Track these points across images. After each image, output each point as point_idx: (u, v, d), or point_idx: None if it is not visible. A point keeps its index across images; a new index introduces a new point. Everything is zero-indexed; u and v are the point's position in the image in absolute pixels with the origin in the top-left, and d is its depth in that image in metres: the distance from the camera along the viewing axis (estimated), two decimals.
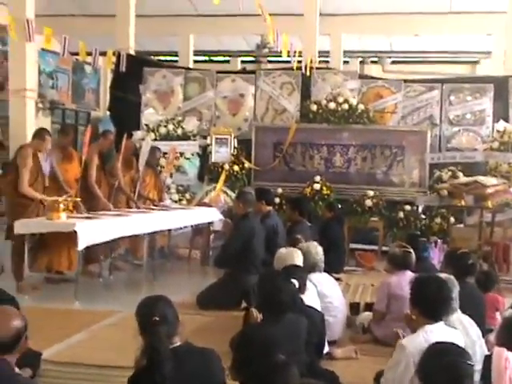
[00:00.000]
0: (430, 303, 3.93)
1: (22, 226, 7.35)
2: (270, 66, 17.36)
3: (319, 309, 5.44)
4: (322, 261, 6.06)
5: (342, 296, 6.39)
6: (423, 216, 10.81)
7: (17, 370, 4.36)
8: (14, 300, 4.50)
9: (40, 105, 16.70)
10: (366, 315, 6.36)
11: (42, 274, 8.15)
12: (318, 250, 6.01)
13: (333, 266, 8.95)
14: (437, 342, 3.26)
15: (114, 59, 11.75)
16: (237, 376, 3.82)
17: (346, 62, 17.93)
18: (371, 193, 10.77)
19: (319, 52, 13.53)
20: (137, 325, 3.38)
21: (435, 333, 3.80)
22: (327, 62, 15.15)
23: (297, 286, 4.66)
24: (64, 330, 6.17)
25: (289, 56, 10.91)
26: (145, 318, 3.30)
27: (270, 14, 9.81)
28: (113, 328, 6.39)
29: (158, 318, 3.23)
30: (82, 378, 4.96)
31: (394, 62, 19.28)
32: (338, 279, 8.92)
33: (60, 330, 6.14)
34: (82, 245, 7.03)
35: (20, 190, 7.71)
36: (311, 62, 11.73)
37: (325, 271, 8.36)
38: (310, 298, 5.24)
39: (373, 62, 19.50)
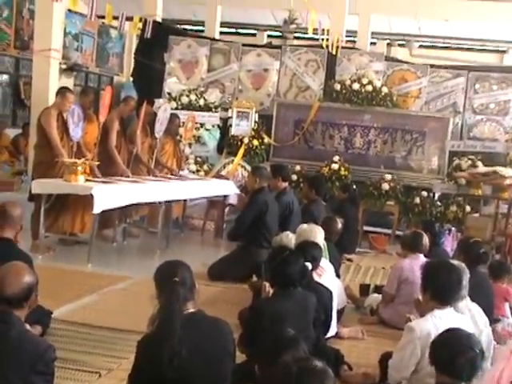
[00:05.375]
0: (440, 288, 3.97)
1: (39, 186, 7.42)
2: (295, 42, 17.24)
3: (337, 290, 5.48)
4: None
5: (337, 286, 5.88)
6: (439, 203, 10.72)
7: (27, 326, 4.45)
8: (28, 257, 4.54)
9: (63, 66, 16.73)
10: (375, 297, 6.39)
11: (56, 236, 8.20)
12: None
13: (345, 247, 9.01)
14: (448, 330, 3.29)
15: (140, 25, 11.67)
16: (245, 349, 3.87)
17: (372, 44, 17.77)
18: (389, 176, 10.69)
19: (347, 31, 13.41)
20: (154, 286, 3.41)
21: (444, 318, 3.84)
22: (354, 42, 15.02)
23: (309, 266, 4.68)
24: (75, 291, 6.26)
25: (315, 33, 10.80)
26: (164, 278, 3.33)
27: None
28: (123, 292, 6.47)
29: (177, 279, 3.27)
30: (90, 338, 5.03)
31: (421, 47, 19.10)
32: (349, 260, 8.99)
33: (71, 291, 6.23)
34: (97, 209, 7.09)
35: (53, 148, 7.75)
36: (338, 40, 11.62)
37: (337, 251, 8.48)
38: (327, 280, 5.24)
39: (400, 45, 19.33)
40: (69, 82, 16.46)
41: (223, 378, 3.32)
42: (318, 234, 5.62)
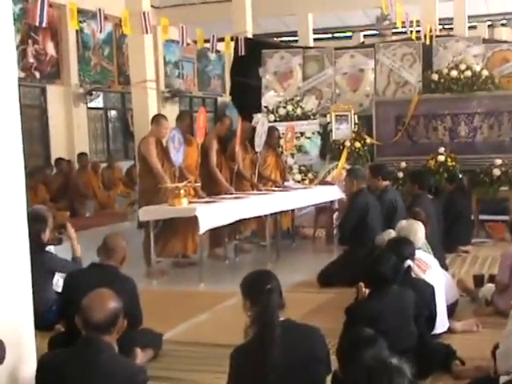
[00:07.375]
0: None
1: (145, 213, 7.66)
2: (394, 38, 17.00)
3: (447, 284, 5.35)
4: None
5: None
6: None
7: (138, 350, 4.60)
8: (131, 281, 4.74)
9: (167, 94, 17.30)
10: (489, 287, 6.16)
11: (169, 259, 8.41)
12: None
13: (459, 239, 8.79)
14: None
15: (232, 44, 11.86)
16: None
17: (472, 28, 17.27)
18: (499, 161, 10.26)
19: (443, 19, 13.09)
20: (245, 299, 3.43)
21: None
22: (451, 29, 14.65)
23: (410, 263, 4.61)
24: (188, 311, 6.40)
25: (404, 27, 10.61)
26: (257, 288, 3.35)
27: None
28: (235, 308, 6.52)
29: (270, 287, 3.29)
30: (201, 356, 5.11)
31: None
32: (465, 251, 8.73)
33: (184, 312, 6.36)
34: (203, 229, 7.22)
35: (155, 175, 7.98)
36: (430, 30, 11.34)
37: (451, 244, 8.28)
38: (432, 275, 5.13)
39: (503, 24, 18.69)
40: (174, 108, 17.01)
41: None
42: (418, 230, 5.51)
